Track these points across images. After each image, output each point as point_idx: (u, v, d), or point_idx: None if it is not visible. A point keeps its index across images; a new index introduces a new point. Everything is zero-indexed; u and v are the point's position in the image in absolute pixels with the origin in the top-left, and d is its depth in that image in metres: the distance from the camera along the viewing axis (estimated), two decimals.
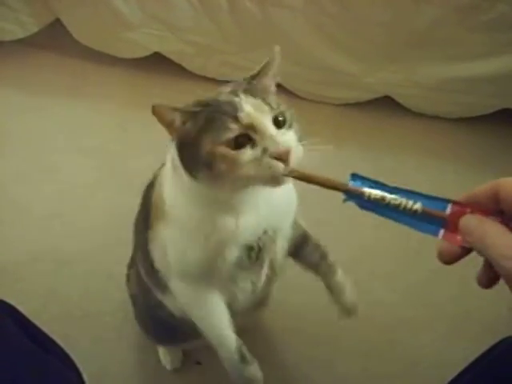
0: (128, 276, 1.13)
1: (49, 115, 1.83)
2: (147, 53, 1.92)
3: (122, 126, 1.79)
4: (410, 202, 0.60)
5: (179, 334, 1.04)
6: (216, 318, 0.90)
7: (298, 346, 1.25)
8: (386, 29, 1.64)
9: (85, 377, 0.80)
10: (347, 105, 1.89)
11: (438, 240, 0.58)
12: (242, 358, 0.89)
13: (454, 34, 1.62)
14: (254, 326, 1.24)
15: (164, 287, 0.91)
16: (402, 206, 0.60)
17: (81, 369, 0.84)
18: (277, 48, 0.87)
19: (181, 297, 0.90)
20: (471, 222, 0.55)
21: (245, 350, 0.89)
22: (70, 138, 1.75)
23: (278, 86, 1.92)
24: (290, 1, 1.65)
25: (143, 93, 1.93)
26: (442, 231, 0.58)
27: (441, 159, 1.73)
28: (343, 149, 1.74)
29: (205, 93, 0.83)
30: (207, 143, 0.72)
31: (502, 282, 0.54)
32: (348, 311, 0.95)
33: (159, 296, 0.96)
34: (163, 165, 0.88)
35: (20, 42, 1.98)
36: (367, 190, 0.61)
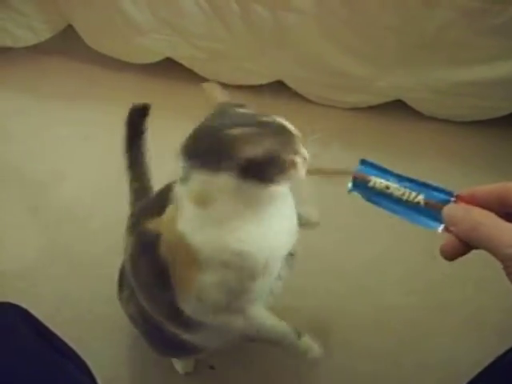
0: (121, 298, 1.10)
1: (60, 120, 1.84)
2: (158, 58, 1.93)
3: None
4: (413, 194, 0.59)
5: (189, 347, 1.02)
6: (271, 319, 0.93)
7: None
8: (396, 32, 1.64)
9: (98, 381, 0.80)
10: (358, 109, 1.89)
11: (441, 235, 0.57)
12: (298, 335, 0.95)
13: (464, 37, 1.61)
14: None
15: (197, 327, 0.89)
16: (405, 197, 0.59)
17: (94, 372, 0.84)
18: None
19: (258, 320, 0.91)
20: (457, 212, 0.54)
21: (294, 327, 0.95)
22: (81, 143, 1.76)
23: (289, 90, 1.94)
24: (300, 5, 1.65)
25: (154, 98, 1.92)
26: (442, 225, 0.57)
27: (451, 163, 1.73)
28: (354, 153, 1.74)
29: None
30: (286, 154, 0.80)
31: None
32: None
33: (184, 336, 0.95)
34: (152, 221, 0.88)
35: (31, 47, 2.00)
36: (373, 178, 0.61)
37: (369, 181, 0.61)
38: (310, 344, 0.97)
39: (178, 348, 1.02)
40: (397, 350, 1.25)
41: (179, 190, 0.82)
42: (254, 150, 0.77)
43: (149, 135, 1.80)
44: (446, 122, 1.84)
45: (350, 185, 0.63)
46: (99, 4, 1.84)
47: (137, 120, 1.23)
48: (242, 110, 0.89)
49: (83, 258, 1.31)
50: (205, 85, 0.96)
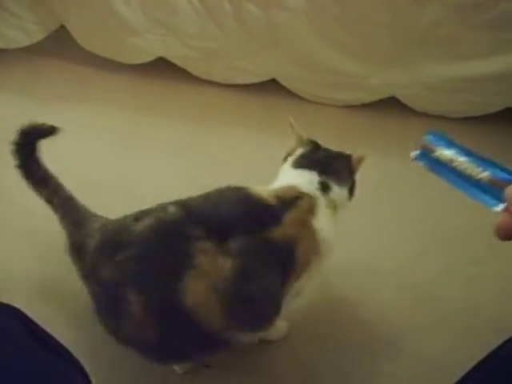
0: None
1: (53, 121, 1.83)
2: (151, 58, 1.93)
3: (126, 131, 1.80)
4: (479, 169, 0.58)
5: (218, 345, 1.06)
6: None
7: (303, 345, 1.25)
8: (388, 29, 1.64)
9: (93, 380, 0.80)
10: (351, 106, 1.89)
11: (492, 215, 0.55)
12: None
13: (456, 33, 1.62)
14: None
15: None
16: (468, 172, 0.58)
17: (89, 372, 0.84)
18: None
19: None
20: None
21: None
22: (75, 143, 1.75)
23: (283, 89, 1.95)
24: (293, 3, 1.66)
25: (148, 98, 1.94)
26: (502, 205, 0.55)
27: None
28: (348, 149, 1.74)
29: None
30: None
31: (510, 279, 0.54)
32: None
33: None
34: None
35: (24, 49, 2.00)
36: (439, 149, 0.60)
37: (434, 151, 0.61)
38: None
39: (204, 347, 1.05)
40: (389, 344, 1.25)
41: (317, 198, 1.07)
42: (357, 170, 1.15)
43: (144, 135, 1.82)
44: (440, 118, 1.84)
45: (415, 153, 0.63)
46: (92, 5, 1.84)
47: (33, 139, 1.20)
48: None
49: None
50: (291, 120, 1.20)
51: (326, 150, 1.15)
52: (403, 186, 1.64)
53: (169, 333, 0.98)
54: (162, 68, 1.95)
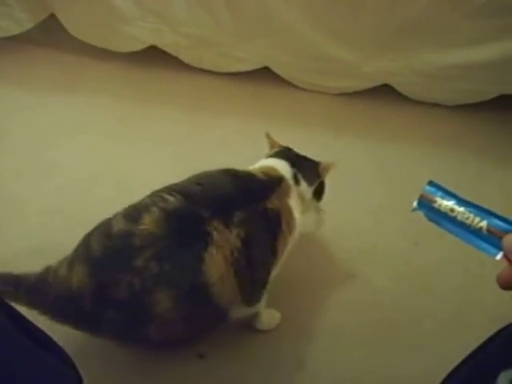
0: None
1: (46, 111, 1.83)
2: (143, 46, 1.91)
3: (119, 120, 1.79)
4: (477, 219, 0.60)
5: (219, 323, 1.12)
6: None
7: (298, 334, 1.25)
8: (381, 16, 1.63)
9: (83, 373, 0.79)
10: (345, 94, 1.88)
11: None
12: None
13: (448, 20, 1.61)
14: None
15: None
16: (469, 221, 0.60)
17: (78, 364, 0.83)
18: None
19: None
20: None
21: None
22: (68, 133, 1.75)
23: (276, 76, 1.93)
24: None
25: (140, 87, 1.93)
26: (500, 253, 0.58)
27: (441, 147, 1.73)
28: (342, 139, 1.74)
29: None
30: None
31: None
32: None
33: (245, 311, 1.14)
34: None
35: (15, 38, 1.97)
36: (439, 199, 0.62)
37: (434, 201, 0.63)
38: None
39: (209, 327, 1.11)
40: (386, 333, 1.25)
41: (292, 185, 1.20)
42: (325, 176, 1.29)
43: (136, 124, 1.80)
44: (434, 105, 1.84)
45: (415, 204, 0.65)
46: None
47: None
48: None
49: (71, 249, 1.28)
50: (267, 134, 1.35)
51: (297, 153, 1.29)
52: (397, 173, 1.64)
53: (197, 319, 1.02)
54: (153, 56, 1.94)
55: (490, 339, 0.76)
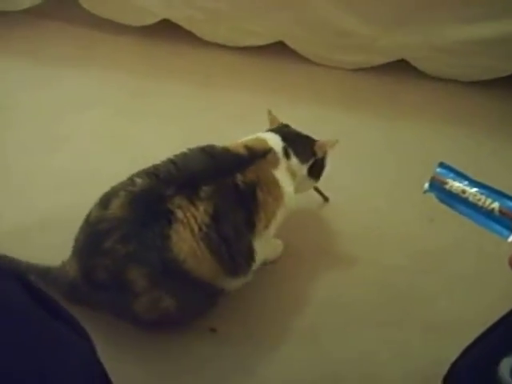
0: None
1: (57, 85, 1.82)
2: (155, 19, 1.89)
3: (131, 96, 1.78)
4: (489, 200, 0.59)
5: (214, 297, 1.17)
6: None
7: (311, 312, 1.25)
8: None
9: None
10: (360, 69, 1.86)
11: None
12: None
13: None
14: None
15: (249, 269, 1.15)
16: (481, 202, 0.60)
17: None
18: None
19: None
20: None
21: None
22: (79, 108, 1.74)
23: (291, 51, 1.91)
24: None
25: (152, 61, 1.91)
26: None
27: (455, 124, 1.70)
28: (355, 115, 1.72)
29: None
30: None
31: None
32: None
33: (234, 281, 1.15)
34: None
35: (26, 11, 1.96)
36: (450, 181, 0.62)
37: (446, 183, 0.62)
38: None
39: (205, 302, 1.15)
40: (400, 311, 1.25)
41: (282, 158, 1.21)
42: (321, 154, 1.29)
43: (148, 98, 1.80)
44: (450, 81, 1.81)
45: (426, 185, 0.64)
46: None
47: None
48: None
49: (79, 223, 1.28)
50: (269, 111, 1.34)
51: (294, 130, 1.30)
52: (410, 150, 1.62)
53: (180, 293, 1.05)
54: (166, 30, 1.92)
55: (502, 320, 0.75)
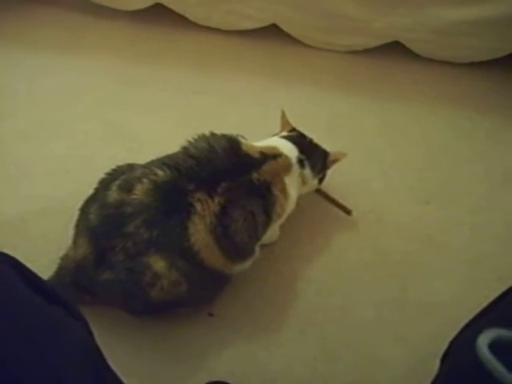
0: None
1: (49, 71, 1.81)
2: (148, 4, 1.87)
3: (125, 81, 1.77)
4: None
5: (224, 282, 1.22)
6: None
7: (309, 294, 1.26)
8: None
9: (94, 328, 0.80)
10: (355, 52, 1.85)
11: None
12: None
13: None
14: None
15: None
16: None
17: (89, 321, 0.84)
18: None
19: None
20: None
21: None
22: (73, 95, 1.73)
23: (285, 34, 1.89)
24: None
25: (145, 46, 1.90)
26: None
27: (452, 105, 1.70)
28: (350, 98, 1.72)
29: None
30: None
31: None
32: None
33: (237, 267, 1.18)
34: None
35: None
36: None
37: None
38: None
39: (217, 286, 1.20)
40: (397, 292, 1.26)
41: (295, 165, 1.24)
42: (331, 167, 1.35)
43: (141, 84, 1.79)
44: (444, 64, 1.80)
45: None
46: None
47: None
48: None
49: (77, 210, 1.29)
50: (283, 113, 1.37)
51: (310, 141, 1.33)
52: (406, 133, 1.62)
53: (194, 279, 1.08)
54: (159, 14, 1.90)
55: (498, 299, 0.76)
